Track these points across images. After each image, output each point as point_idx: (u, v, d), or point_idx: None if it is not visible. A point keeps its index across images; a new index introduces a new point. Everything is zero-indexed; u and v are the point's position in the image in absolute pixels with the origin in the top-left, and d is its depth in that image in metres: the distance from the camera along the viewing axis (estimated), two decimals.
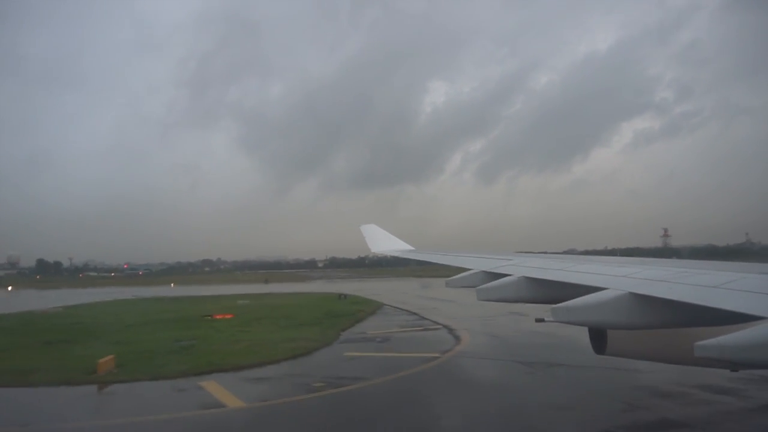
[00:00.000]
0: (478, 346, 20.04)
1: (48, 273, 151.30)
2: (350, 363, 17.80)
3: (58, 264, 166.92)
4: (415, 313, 31.26)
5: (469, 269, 9.16)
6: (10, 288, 75.92)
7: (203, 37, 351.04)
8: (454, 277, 9.24)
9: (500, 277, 7.55)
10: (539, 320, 8.27)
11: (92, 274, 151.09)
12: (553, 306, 5.26)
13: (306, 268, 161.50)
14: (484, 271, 8.49)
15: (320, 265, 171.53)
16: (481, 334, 22.86)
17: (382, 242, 17.51)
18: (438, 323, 26.10)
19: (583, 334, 7.20)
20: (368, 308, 34.20)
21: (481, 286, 7.57)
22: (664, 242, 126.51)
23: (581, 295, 5.20)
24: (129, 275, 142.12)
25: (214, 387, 13.90)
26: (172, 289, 67.68)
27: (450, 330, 23.85)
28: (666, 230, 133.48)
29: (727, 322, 4.20)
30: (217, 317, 29.64)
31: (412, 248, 16.50)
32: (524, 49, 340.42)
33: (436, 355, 18.08)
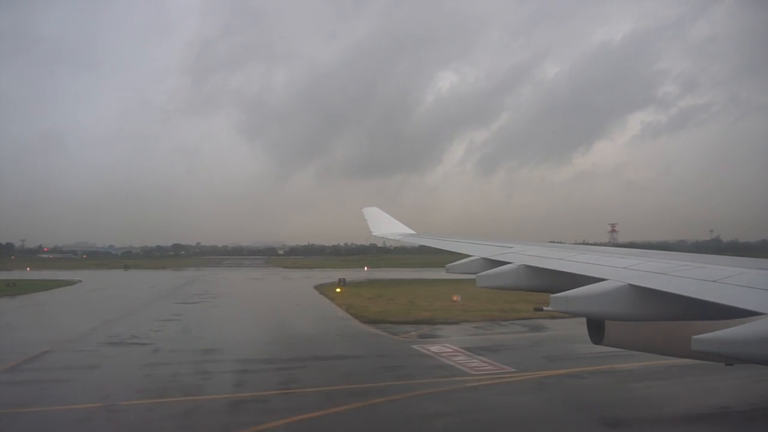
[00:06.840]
0: None
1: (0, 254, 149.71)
2: None
3: (9, 246, 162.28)
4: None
5: (470, 256, 9.16)
6: None
7: (207, 23, 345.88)
8: (454, 263, 9.24)
9: (500, 265, 7.55)
10: (538, 309, 8.27)
11: (46, 256, 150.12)
12: (552, 295, 5.26)
13: (265, 255, 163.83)
14: (484, 258, 8.49)
15: (280, 252, 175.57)
16: None
17: (384, 226, 17.49)
18: None
19: None
20: None
21: (480, 273, 7.57)
22: (611, 237, 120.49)
23: (581, 285, 5.20)
24: (60, 258, 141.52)
25: None
26: (16, 273, 68.60)
27: None
28: (613, 225, 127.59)
29: (725, 316, 4.21)
30: None
31: (413, 232, 16.51)
32: (538, 39, 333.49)
33: None
